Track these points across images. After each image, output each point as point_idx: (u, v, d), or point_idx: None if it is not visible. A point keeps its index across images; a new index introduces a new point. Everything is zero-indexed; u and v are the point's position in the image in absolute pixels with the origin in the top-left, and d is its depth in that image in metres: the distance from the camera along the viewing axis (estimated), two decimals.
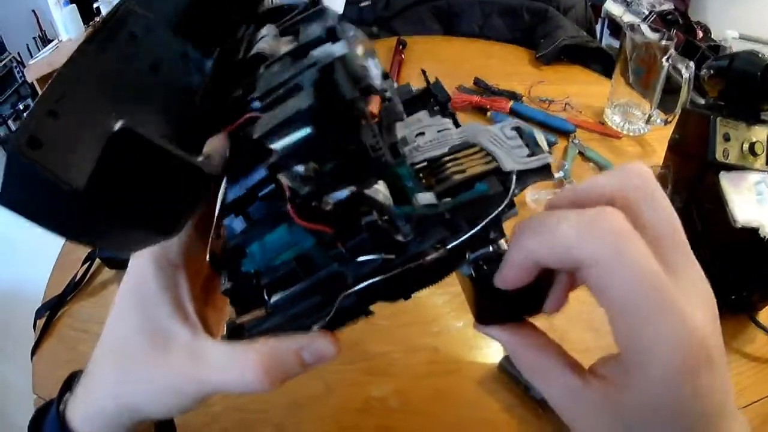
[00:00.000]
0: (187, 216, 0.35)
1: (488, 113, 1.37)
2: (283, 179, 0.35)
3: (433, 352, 0.93)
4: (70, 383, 0.51)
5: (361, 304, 0.42)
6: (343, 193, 0.36)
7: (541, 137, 0.41)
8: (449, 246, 0.39)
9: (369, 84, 0.32)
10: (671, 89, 1.27)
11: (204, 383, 0.42)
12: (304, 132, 0.31)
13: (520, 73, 1.53)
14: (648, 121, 1.30)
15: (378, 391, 0.89)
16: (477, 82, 1.48)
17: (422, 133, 0.45)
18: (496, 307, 0.44)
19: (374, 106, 0.35)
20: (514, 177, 0.38)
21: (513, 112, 1.36)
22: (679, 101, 1.20)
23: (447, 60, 1.65)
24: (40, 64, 3.99)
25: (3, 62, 4.34)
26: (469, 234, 0.38)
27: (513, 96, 1.41)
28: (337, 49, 0.33)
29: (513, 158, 0.39)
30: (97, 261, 1.17)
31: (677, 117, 1.14)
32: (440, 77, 1.37)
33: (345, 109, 0.31)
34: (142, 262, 0.44)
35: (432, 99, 0.50)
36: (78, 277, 1.15)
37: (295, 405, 0.89)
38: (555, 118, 1.34)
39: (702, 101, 1.17)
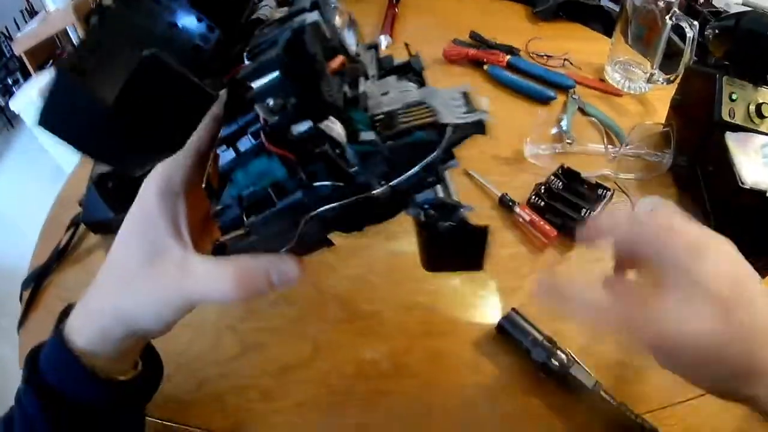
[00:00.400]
0: (190, 132, 0.43)
1: (485, 66, 1.33)
2: (258, 110, 0.43)
3: (429, 311, 0.90)
4: (67, 312, 0.57)
5: (322, 232, 0.51)
6: (304, 126, 0.43)
7: (483, 101, 0.47)
8: (392, 183, 0.46)
9: (333, 45, 0.45)
10: (670, 53, 1.26)
11: (190, 293, 0.50)
12: (273, 75, 0.41)
13: (518, 29, 1.49)
14: (649, 80, 1.27)
15: (370, 353, 0.86)
16: (473, 35, 1.43)
17: (387, 93, 0.52)
18: (441, 256, 0.56)
19: (336, 63, 0.46)
20: (449, 128, 0.44)
21: (510, 66, 1.32)
22: (682, 60, 1.17)
23: (442, 14, 1.60)
24: (27, 37, 3.96)
25: None
26: (408, 174, 0.45)
27: (510, 50, 1.37)
28: (311, 17, 0.43)
29: (452, 114, 0.45)
30: (82, 227, 1.14)
31: (680, 77, 1.15)
32: (434, 31, 1.35)
33: (308, 61, 0.42)
34: (148, 191, 0.50)
35: (410, 72, 0.57)
36: (62, 245, 1.12)
37: (283, 369, 0.86)
38: (554, 73, 1.30)
39: (700, 65, 1.14)
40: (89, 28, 0.40)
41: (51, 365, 0.55)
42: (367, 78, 0.52)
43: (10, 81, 4.51)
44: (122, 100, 0.36)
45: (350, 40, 0.51)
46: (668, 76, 1.22)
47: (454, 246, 0.53)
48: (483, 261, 0.56)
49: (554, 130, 1.15)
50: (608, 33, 1.48)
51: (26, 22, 4.42)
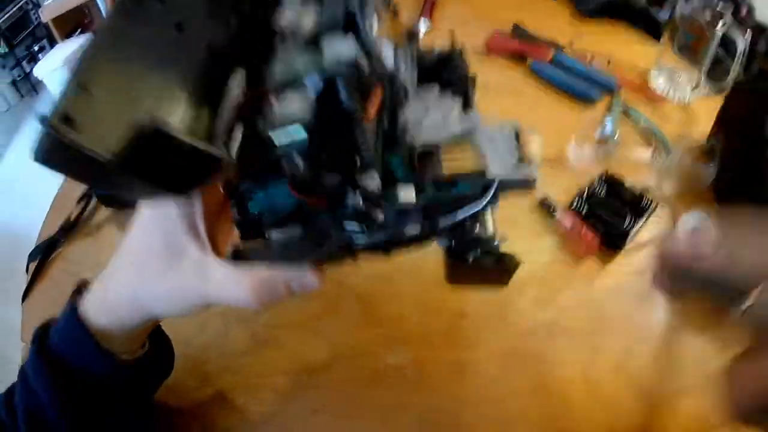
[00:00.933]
0: (205, 182, 0.41)
1: (528, 61, 1.27)
2: (285, 164, 0.41)
3: (457, 318, 0.85)
4: (80, 289, 0.60)
5: (347, 253, 0.49)
6: (335, 179, 0.42)
7: (534, 146, 0.46)
8: (425, 230, 0.46)
9: (372, 72, 0.40)
10: (714, 63, 1.20)
11: (206, 295, 0.51)
12: (300, 136, 0.38)
13: (560, 26, 1.43)
14: (694, 90, 1.21)
15: (393, 359, 0.81)
16: (516, 28, 1.37)
17: (427, 113, 0.49)
18: (466, 275, 0.56)
19: (373, 107, 0.40)
20: (497, 183, 0.43)
21: (555, 63, 1.26)
22: (731, 73, 1.13)
23: (482, 4, 1.53)
24: (54, 5, 3.97)
25: (18, 5, 4.44)
26: (446, 223, 0.45)
27: (554, 46, 1.31)
28: (346, 50, 0.39)
29: (501, 164, 0.44)
30: (94, 200, 1.12)
31: (728, 89, 1.11)
32: (476, 21, 1.30)
33: (341, 114, 0.38)
34: None
35: (452, 64, 0.53)
36: (73, 217, 1.09)
37: (298, 371, 0.81)
38: (598, 74, 1.24)
39: (749, 79, 1.13)
40: (83, 52, 0.37)
41: (64, 341, 0.58)
42: (406, 98, 0.47)
43: (36, 48, 4.59)
44: (123, 160, 0.33)
45: (387, 50, 0.45)
46: (716, 87, 1.18)
47: (481, 271, 0.52)
48: (508, 281, 0.55)
49: (598, 134, 1.09)
50: (651, 36, 1.43)
51: None
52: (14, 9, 4.36)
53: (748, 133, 0.96)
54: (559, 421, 0.75)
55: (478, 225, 0.48)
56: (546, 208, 0.96)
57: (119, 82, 0.37)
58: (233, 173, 0.46)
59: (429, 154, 0.46)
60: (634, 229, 0.91)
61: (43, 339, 0.59)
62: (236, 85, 0.42)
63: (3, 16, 4.27)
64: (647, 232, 0.93)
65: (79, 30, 4.19)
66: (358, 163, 0.41)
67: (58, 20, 3.98)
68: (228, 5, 0.45)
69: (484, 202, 0.44)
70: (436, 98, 0.50)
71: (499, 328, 0.83)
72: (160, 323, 0.70)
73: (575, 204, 0.96)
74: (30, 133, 3.97)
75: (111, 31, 0.39)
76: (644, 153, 1.08)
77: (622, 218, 0.92)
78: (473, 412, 0.76)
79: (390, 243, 0.48)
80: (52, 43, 4.36)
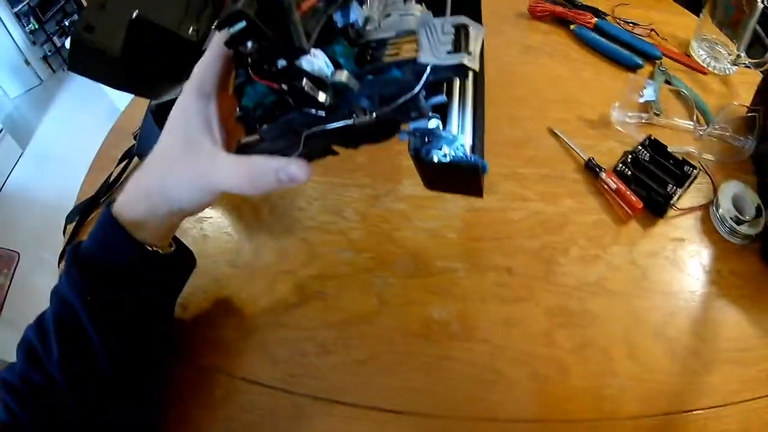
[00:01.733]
0: (189, 67, 0.49)
1: (572, 26, 1.26)
2: (242, 49, 0.48)
3: (504, 273, 0.84)
4: (110, 204, 0.65)
5: (324, 145, 0.57)
6: (280, 63, 0.47)
7: (475, 37, 0.47)
8: (370, 116, 0.49)
9: None
10: (756, 35, 1.18)
11: (215, 182, 0.58)
12: (241, 24, 0.43)
13: None
14: (735, 63, 1.20)
15: (439, 313, 0.80)
16: None
17: (389, 15, 0.53)
18: (438, 180, 0.60)
19: (307, 4, 0.45)
20: (428, 69, 0.45)
21: (598, 29, 1.24)
22: None
23: None
24: None
25: None
26: (384, 110, 0.48)
27: (597, 12, 1.29)
28: None
29: (435, 53, 0.46)
30: (135, 160, 1.09)
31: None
32: None
33: (276, 6, 0.42)
34: (186, 91, 0.58)
35: None
36: (113, 177, 1.07)
37: (343, 323, 0.81)
38: (641, 41, 1.23)
39: None
40: None
41: (97, 240, 0.65)
42: (362, 3, 0.53)
43: (67, 23, 4.59)
44: (126, 50, 0.43)
45: None
46: (756, 61, 1.16)
47: (448, 175, 0.56)
48: (482, 191, 0.59)
49: (642, 99, 1.08)
50: (691, 7, 1.41)
51: None
52: None
53: None
54: (600, 378, 0.75)
55: (438, 123, 0.50)
56: (591, 169, 0.95)
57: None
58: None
59: (378, 49, 0.50)
60: (676, 196, 0.90)
61: (75, 249, 0.66)
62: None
63: None
64: (689, 199, 0.93)
65: None
66: (292, 47, 0.45)
67: None
68: None
69: (418, 87, 0.46)
70: (400, 4, 0.55)
71: (544, 285, 0.83)
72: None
73: (619, 167, 0.95)
74: (63, 106, 4.03)
75: None
76: (685, 121, 1.07)
77: (664, 184, 0.92)
78: (516, 368, 0.76)
79: (351, 132, 0.51)
80: None
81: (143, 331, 0.69)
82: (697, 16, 1.29)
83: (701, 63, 1.22)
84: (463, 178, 0.57)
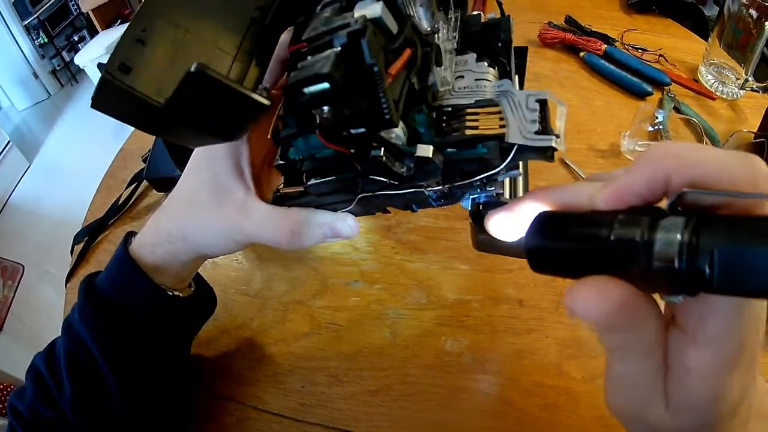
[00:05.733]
0: (246, 129, 0.44)
1: (582, 54, 1.27)
2: (314, 111, 0.42)
3: (516, 305, 0.84)
4: (128, 238, 0.64)
5: (378, 205, 0.53)
6: (359, 130, 0.43)
7: (560, 118, 0.44)
8: (444, 187, 0.47)
9: (402, 34, 0.42)
10: (762, 60, 1.18)
11: (248, 234, 0.54)
12: (323, 86, 0.38)
13: (610, 18, 1.43)
14: (743, 87, 1.20)
15: (452, 345, 0.80)
16: (568, 20, 1.36)
17: (462, 77, 0.50)
18: (490, 243, 0.52)
19: (397, 66, 0.41)
20: (515, 149, 0.43)
21: (607, 56, 1.25)
22: None
23: None
24: None
25: None
26: (462, 183, 0.46)
27: (606, 39, 1.30)
28: (373, 10, 0.40)
29: (522, 131, 0.43)
30: (144, 183, 1.10)
31: None
32: (528, 11, 1.29)
33: (364, 71, 0.39)
34: None
35: (497, 33, 0.54)
36: (122, 200, 1.08)
37: (356, 354, 0.81)
38: (650, 68, 1.23)
39: None
40: (139, 9, 0.40)
41: (113, 280, 0.63)
42: (439, 65, 0.49)
43: (76, 38, 4.65)
44: (173, 103, 0.37)
45: (424, 14, 0.50)
46: (764, 84, 1.17)
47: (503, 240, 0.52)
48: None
49: (651, 127, 1.08)
50: (698, 32, 1.43)
51: None
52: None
53: None
54: None
55: (502, 191, 0.49)
56: None
57: (172, 36, 0.40)
58: (278, 121, 0.50)
59: (456, 116, 0.47)
60: None
61: (90, 285, 0.64)
62: (284, 41, 0.48)
63: (43, 6, 4.31)
64: None
65: (119, 20, 4.22)
66: (379, 119, 0.41)
67: (99, 10, 4.02)
68: None
69: (501, 166, 0.44)
70: (473, 62, 0.51)
71: (555, 317, 0.82)
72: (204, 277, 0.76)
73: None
74: (71, 121, 4.05)
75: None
76: None
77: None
78: (528, 399, 0.76)
79: (414, 198, 0.50)
80: (92, 33, 4.39)
81: (159, 371, 0.68)
82: (705, 39, 1.29)
83: (709, 88, 1.23)
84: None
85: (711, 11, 1.49)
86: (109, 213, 1.07)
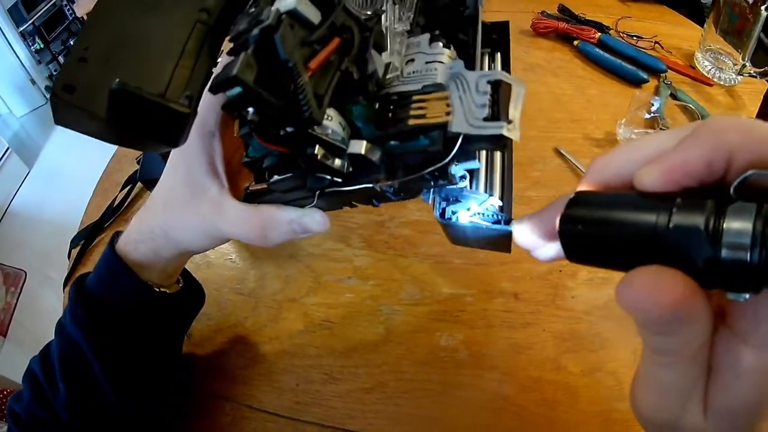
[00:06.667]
0: (181, 134, 0.42)
1: (575, 42, 1.26)
2: (244, 113, 0.43)
3: (512, 299, 0.83)
4: (114, 239, 0.65)
5: (340, 200, 0.51)
6: (289, 129, 0.42)
7: (517, 104, 0.40)
8: (389, 183, 0.45)
9: (312, 40, 0.40)
10: (762, 44, 1.18)
11: (221, 231, 0.55)
12: (236, 90, 0.37)
13: (605, 6, 1.42)
14: (740, 72, 1.19)
15: (446, 341, 0.80)
16: (562, 9, 1.35)
17: (412, 60, 0.47)
18: (461, 238, 0.56)
19: (316, 61, 0.40)
20: (460, 139, 0.40)
21: (602, 44, 1.24)
22: None
23: None
24: (89, 1, 4.00)
25: (52, 1, 4.48)
26: (407, 179, 0.43)
27: (600, 27, 1.29)
28: (286, 3, 0.38)
29: (468, 118, 0.40)
30: (138, 185, 1.10)
31: None
32: (521, 2, 1.29)
33: (280, 68, 0.38)
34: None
35: (462, 8, 0.53)
36: (117, 202, 1.08)
37: (350, 351, 0.81)
38: (646, 55, 1.22)
39: None
40: (81, 30, 0.43)
41: (102, 279, 0.64)
42: (382, 51, 0.46)
43: (72, 43, 4.60)
44: (109, 117, 0.38)
45: None
46: (762, 69, 1.16)
47: (475, 235, 0.52)
48: (510, 248, 0.53)
49: (648, 115, 1.07)
50: (694, 18, 1.42)
51: None
52: (48, 5, 4.40)
53: None
54: (610, 403, 0.74)
55: (465, 183, 0.45)
56: None
57: (113, 49, 0.40)
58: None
59: (402, 104, 0.45)
60: None
61: (80, 286, 0.65)
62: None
63: (38, 12, 4.31)
64: None
65: None
66: (300, 116, 0.40)
67: None
68: None
69: (446, 159, 0.41)
70: (426, 44, 0.48)
71: (552, 310, 0.82)
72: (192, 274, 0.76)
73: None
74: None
75: (105, 8, 0.42)
76: None
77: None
78: (525, 394, 0.76)
79: (370, 193, 0.48)
80: None
81: (150, 367, 0.68)
82: (701, 26, 1.29)
83: (706, 74, 1.22)
84: (491, 237, 0.52)
85: None
86: (104, 216, 1.06)
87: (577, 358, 0.78)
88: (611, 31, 1.30)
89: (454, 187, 0.45)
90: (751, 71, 1.17)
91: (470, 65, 0.47)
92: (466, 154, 0.41)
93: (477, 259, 0.86)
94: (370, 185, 0.45)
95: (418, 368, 0.78)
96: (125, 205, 1.07)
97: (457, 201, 0.49)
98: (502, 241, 0.51)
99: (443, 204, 0.50)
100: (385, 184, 0.45)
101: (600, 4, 1.40)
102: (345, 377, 0.78)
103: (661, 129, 1.05)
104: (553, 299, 0.83)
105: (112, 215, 1.06)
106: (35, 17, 4.28)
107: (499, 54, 0.59)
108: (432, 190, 0.47)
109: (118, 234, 0.65)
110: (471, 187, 0.48)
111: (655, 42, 1.28)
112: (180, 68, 0.41)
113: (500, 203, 0.50)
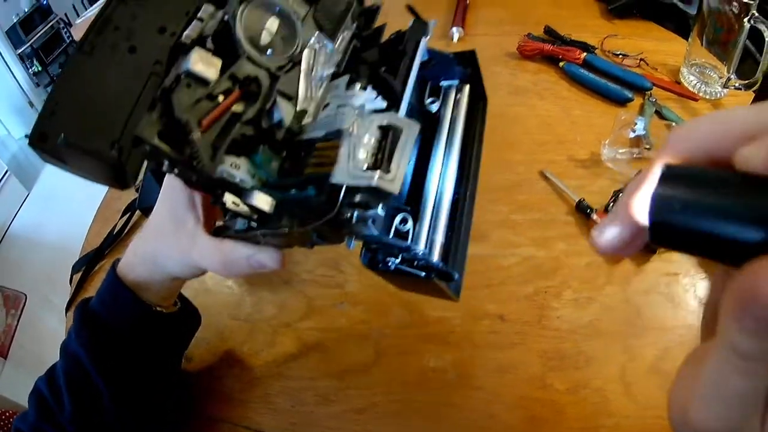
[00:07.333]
0: (123, 178, 0.43)
1: (561, 64, 1.27)
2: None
3: (498, 320, 0.85)
4: (115, 265, 0.69)
5: (280, 242, 0.53)
6: (194, 177, 0.45)
7: (403, 152, 0.40)
8: (295, 229, 0.45)
9: (214, 94, 0.43)
10: (747, 56, 1.18)
11: (195, 261, 0.59)
12: (146, 146, 0.41)
13: (591, 26, 1.43)
14: (725, 85, 1.19)
15: (435, 362, 0.82)
16: (547, 30, 1.36)
17: (327, 104, 0.48)
18: (403, 283, 0.56)
19: (213, 114, 0.43)
20: (343, 190, 0.39)
21: (587, 64, 1.26)
22: (761, 65, 1.09)
23: (514, 6, 1.54)
24: (86, 23, 4.01)
25: (50, 24, 4.47)
26: (303, 229, 0.43)
27: (585, 47, 1.30)
28: (184, 64, 0.42)
29: (350, 168, 0.39)
30: (138, 213, 1.13)
31: (759, 83, 1.08)
32: (507, 24, 1.31)
33: (175, 125, 0.41)
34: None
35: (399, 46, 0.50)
36: (117, 229, 1.11)
37: (343, 372, 0.83)
38: (630, 74, 1.23)
39: None
40: (54, 84, 0.45)
41: (104, 300, 0.68)
42: (289, 98, 0.48)
43: None
44: (67, 164, 0.42)
45: (282, 43, 0.48)
46: (746, 82, 1.15)
47: (413, 280, 0.49)
48: (448, 295, 0.55)
49: (632, 134, 1.08)
50: (681, 33, 1.42)
51: (85, 8, 4.54)
52: (46, 27, 4.41)
53: None
54: (596, 419, 0.76)
55: (375, 231, 0.42)
56: (582, 210, 0.96)
57: (78, 100, 0.42)
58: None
59: (308, 152, 0.45)
60: None
61: (84, 307, 0.69)
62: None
63: (36, 34, 4.32)
64: None
65: None
66: (196, 168, 0.42)
67: None
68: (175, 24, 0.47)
69: (333, 213, 0.39)
70: (341, 90, 0.48)
71: (537, 330, 0.84)
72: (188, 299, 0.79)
73: (610, 206, 0.95)
74: None
75: (74, 65, 0.43)
76: None
77: None
78: (512, 413, 0.77)
79: (298, 237, 0.48)
80: None
81: (149, 384, 0.72)
82: (687, 39, 1.29)
83: (692, 89, 1.23)
84: (427, 285, 0.50)
85: (694, 10, 1.49)
86: (104, 242, 1.09)
87: (562, 376, 0.79)
88: (597, 51, 1.31)
89: (373, 234, 0.42)
90: (737, 83, 1.17)
91: (395, 107, 0.46)
92: (363, 206, 0.39)
93: (464, 283, 0.87)
94: (285, 230, 0.46)
95: (408, 389, 0.80)
96: (125, 232, 1.10)
97: (386, 247, 0.48)
98: (438, 289, 0.51)
99: (380, 253, 0.48)
100: (300, 230, 0.44)
101: (586, 24, 1.42)
102: (338, 398, 0.80)
103: (645, 148, 1.06)
104: (539, 320, 0.84)
105: (112, 242, 1.09)
106: (33, 39, 4.29)
107: (467, 86, 0.58)
108: (353, 237, 0.45)
109: (118, 260, 0.69)
110: (411, 239, 0.48)
111: (641, 59, 1.29)
112: (134, 117, 0.43)
113: (440, 248, 0.49)
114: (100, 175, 0.44)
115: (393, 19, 0.53)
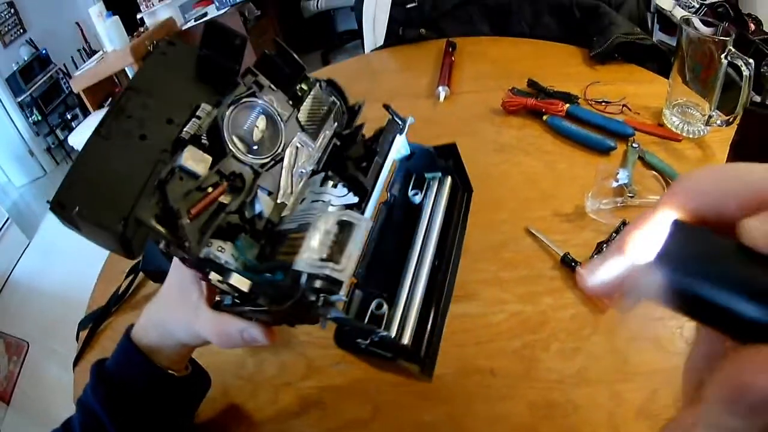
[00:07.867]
0: (128, 248, 0.49)
1: (544, 117, 1.31)
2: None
3: (488, 375, 0.88)
4: (129, 330, 0.74)
5: (266, 319, 0.58)
6: (185, 256, 0.50)
7: (354, 244, 0.46)
8: (271, 310, 0.50)
9: (202, 187, 0.50)
10: (727, 87, 1.19)
11: (197, 331, 0.64)
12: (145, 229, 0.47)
13: (574, 74, 1.48)
14: (708, 123, 1.21)
15: (430, 416, 0.85)
16: (531, 83, 1.41)
17: (304, 199, 0.55)
18: (380, 365, 0.57)
19: (200, 205, 0.49)
20: (304, 277, 0.44)
21: (570, 116, 1.29)
22: (740, 101, 1.11)
23: (498, 60, 1.60)
24: (85, 75, 4.10)
25: (49, 74, 4.53)
26: (278, 309, 0.47)
27: (568, 98, 1.34)
28: (177, 160, 0.49)
29: (310, 258, 0.45)
30: (141, 275, 1.18)
31: (739, 117, 1.09)
32: (492, 79, 1.36)
33: (169, 211, 0.47)
34: None
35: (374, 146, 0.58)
36: (121, 290, 1.15)
37: (341, 429, 0.86)
38: (613, 121, 1.27)
39: (759, 103, 1.09)
40: (75, 159, 0.51)
41: (119, 361, 0.73)
42: (269, 193, 0.55)
43: (69, 116, 4.70)
44: (82, 232, 0.50)
45: (268, 142, 0.56)
46: (727, 118, 1.17)
47: (385, 362, 0.52)
48: (421, 377, 0.58)
49: (615, 184, 1.11)
50: (663, 72, 1.44)
51: (84, 60, 4.61)
52: (45, 77, 4.46)
53: (759, 160, 0.96)
54: None
55: (340, 312, 0.48)
56: (567, 264, 0.99)
57: (93, 180, 0.50)
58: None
59: (281, 241, 0.52)
60: None
61: (99, 367, 0.74)
62: None
63: (35, 83, 4.37)
64: None
65: (110, 99, 4.29)
66: (184, 249, 0.47)
67: (90, 90, 4.08)
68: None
69: (297, 296, 0.44)
70: (316, 187, 0.55)
71: (526, 382, 0.86)
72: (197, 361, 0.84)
73: (594, 258, 0.98)
74: None
75: (93, 145, 0.51)
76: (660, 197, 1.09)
77: None
78: None
79: (281, 317, 0.55)
80: (85, 111, 4.49)
81: None
82: (668, 79, 1.30)
83: (675, 130, 1.25)
84: (396, 366, 0.54)
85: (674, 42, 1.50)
86: (110, 301, 1.14)
87: (552, 424, 0.82)
88: (580, 100, 1.35)
89: (340, 317, 0.49)
90: (718, 121, 1.18)
91: (365, 202, 0.54)
92: (328, 292, 0.45)
93: (452, 341, 0.92)
94: (264, 308, 0.51)
95: None
96: (129, 293, 1.15)
97: (356, 329, 0.52)
98: (406, 370, 0.55)
99: (351, 333, 0.52)
100: (278, 309, 0.47)
101: (569, 72, 1.47)
102: None
103: (629, 197, 1.09)
104: (528, 371, 0.87)
105: (117, 301, 1.14)
106: (33, 89, 4.35)
107: (449, 178, 0.63)
108: (326, 318, 0.48)
109: (132, 325, 0.74)
110: (385, 323, 0.53)
111: (623, 105, 1.33)
112: (143, 197, 0.49)
113: (410, 331, 0.54)
114: (109, 244, 0.50)
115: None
